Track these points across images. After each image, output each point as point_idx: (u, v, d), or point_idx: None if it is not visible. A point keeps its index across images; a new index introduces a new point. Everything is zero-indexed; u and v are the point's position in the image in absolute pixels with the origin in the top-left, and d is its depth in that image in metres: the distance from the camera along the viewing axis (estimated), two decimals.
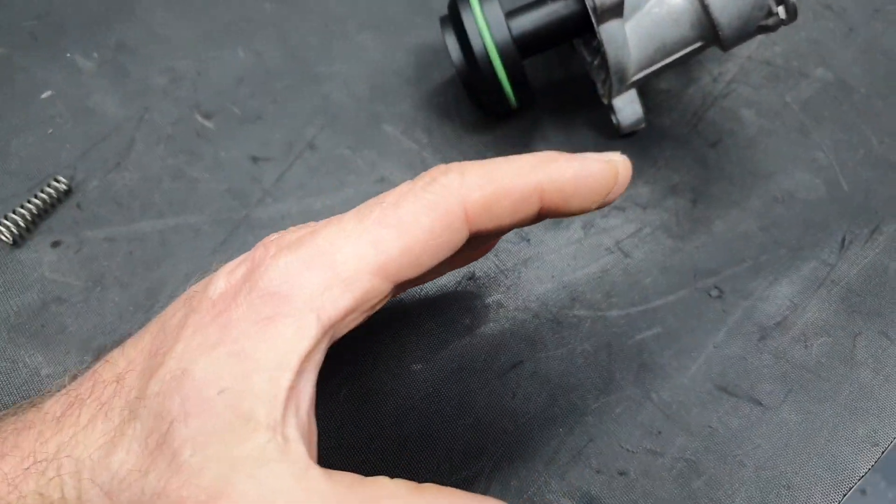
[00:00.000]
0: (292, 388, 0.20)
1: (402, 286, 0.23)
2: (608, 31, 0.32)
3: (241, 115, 0.40)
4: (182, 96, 0.40)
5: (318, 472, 0.20)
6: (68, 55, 0.42)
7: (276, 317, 0.21)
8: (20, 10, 0.43)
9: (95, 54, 0.42)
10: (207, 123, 0.40)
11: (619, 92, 0.36)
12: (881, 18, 0.42)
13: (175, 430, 0.20)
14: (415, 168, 0.38)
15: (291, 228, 0.24)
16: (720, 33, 0.33)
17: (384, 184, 0.38)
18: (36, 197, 0.37)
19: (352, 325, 0.23)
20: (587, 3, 0.32)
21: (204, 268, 0.35)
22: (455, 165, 0.23)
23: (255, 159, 0.39)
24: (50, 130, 0.39)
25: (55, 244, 0.36)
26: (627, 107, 0.37)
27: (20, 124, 0.39)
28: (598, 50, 0.34)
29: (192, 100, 0.40)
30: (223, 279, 0.22)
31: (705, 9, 0.32)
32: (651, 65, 0.34)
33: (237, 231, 0.36)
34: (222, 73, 0.41)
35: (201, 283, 0.24)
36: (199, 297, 0.22)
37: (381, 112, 0.40)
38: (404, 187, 0.22)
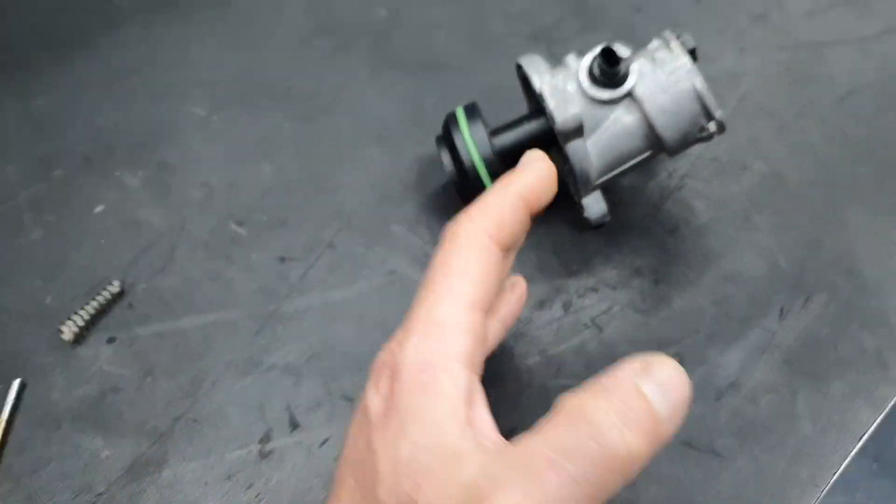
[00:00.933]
0: (471, 420, 0.25)
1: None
2: (572, 147, 0.40)
3: (268, 222, 0.47)
4: (217, 207, 0.47)
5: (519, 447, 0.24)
6: (117, 174, 0.49)
7: (431, 380, 0.25)
8: (74, 137, 0.51)
9: (140, 173, 0.49)
10: (240, 230, 0.46)
11: (587, 193, 0.43)
12: (805, 117, 0.49)
13: (419, 496, 0.24)
14: (420, 262, 0.45)
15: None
16: (665, 145, 0.40)
17: (394, 276, 0.44)
18: (94, 300, 0.43)
19: (487, 351, 0.30)
20: (554, 128, 0.39)
21: (242, 356, 0.41)
22: (460, 216, 0.29)
23: (282, 259, 0.45)
24: (103, 241, 0.46)
25: (111, 340, 0.42)
26: (594, 204, 0.44)
27: (77, 237, 0.46)
28: (566, 160, 0.41)
29: (225, 210, 0.47)
30: (373, 395, 0.27)
31: (652, 126, 0.40)
32: (610, 171, 0.41)
33: (268, 323, 0.43)
34: (251, 185, 0.48)
35: (359, 412, 0.28)
36: (366, 420, 0.26)
37: (388, 214, 0.47)
38: (442, 257, 0.28)
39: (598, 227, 0.45)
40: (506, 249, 0.29)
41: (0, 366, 0.41)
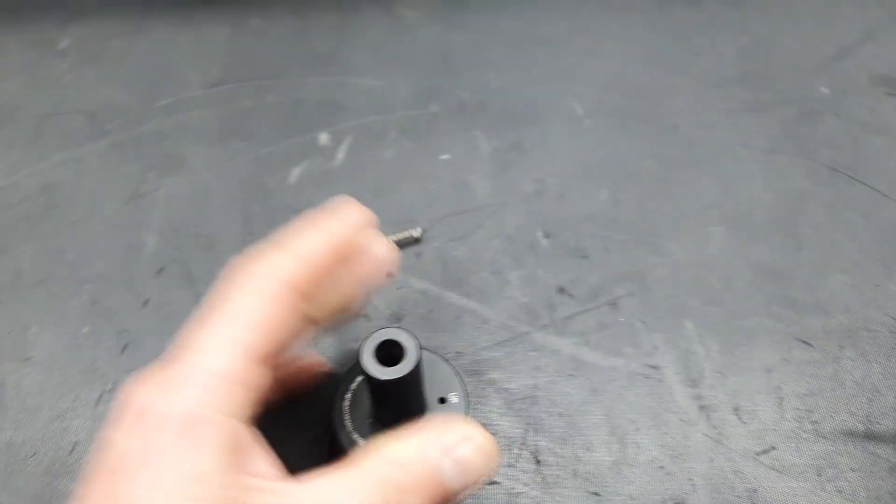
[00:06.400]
0: (241, 466, 0.24)
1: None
2: None
3: (572, 249, 0.45)
4: (536, 211, 0.46)
5: None
6: (475, 133, 0.51)
7: (193, 431, 0.23)
8: (462, 79, 0.53)
9: (494, 141, 0.50)
10: (543, 241, 0.45)
11: None
12: None
13: None
14: (689, 373, 0.39)
15: None
16: None
17: (654, 372, 0.40)
18: (395, 233, 0.46)
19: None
20: None
21: (473, 355, 0.41)
22: (251, 255, 0.27)
23: (560, 290, 0.43)
24: (432, 186, 0.48)
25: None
26: None
27: (417, 172, 0.49)
28: None
29: (540, 217, 0.46)
30: (125, 437, 0.24)
31: None
32: None
33: (512, 341, 0.41)
34: (579, 204, 0.46)
35: (104, 454, 0.24)
36: (113, 464, 0.23)
37: (687, 309, 0.41)
38: (222, 295, 0.26)
39: None
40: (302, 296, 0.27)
41: None
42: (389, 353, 0.32)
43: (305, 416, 0.39)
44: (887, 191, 0.45)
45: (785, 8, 0.55)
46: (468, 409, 0.36)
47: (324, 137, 0.51)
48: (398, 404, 0.35)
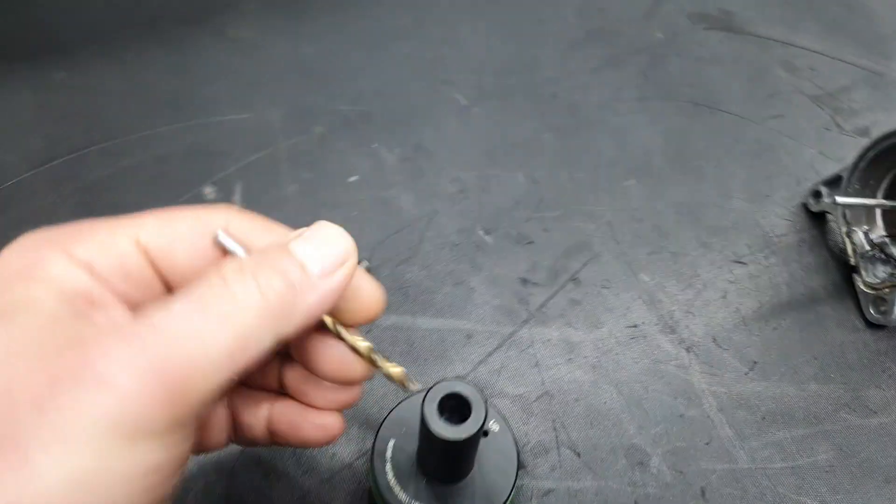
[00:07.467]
0: None
1: None
2: None
3: (516, 237, 0.45)
4: (467, 208, 0.46)
5: None
6: (374, 146, 0.48)
7: None
8: (337, 93, 0.50)
9: (397, 150, 0.48)
10: (487, 238, 0.45)
11: None
12: None
13: None
14: (665, 322, 0.42)
15: None
16: None
17: (636, 330, 0.42)
18: None
19: None
20: None
21: (473, 373, 0.40)
22: None
23: (524, 282, 0.43)
24: (354, 213, 0.45)
25: None
26: None
27: (330, 202, 0.45)
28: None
29: (475, 212, 0.46)
30: None
31: None
32: None
33: (504, 345, 0.41)
34: (502, 192, 0.47)
35: None
36: None
37: (639, 260, 0.44)
38: None
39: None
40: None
41: None
42: (445, 405, 0.30)
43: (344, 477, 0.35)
44: (741, 112, 0.51)
45: None
46: (514, 432, 0.35)
47: (209, 191, 0.45)
48: (457, 458, 0.33)
